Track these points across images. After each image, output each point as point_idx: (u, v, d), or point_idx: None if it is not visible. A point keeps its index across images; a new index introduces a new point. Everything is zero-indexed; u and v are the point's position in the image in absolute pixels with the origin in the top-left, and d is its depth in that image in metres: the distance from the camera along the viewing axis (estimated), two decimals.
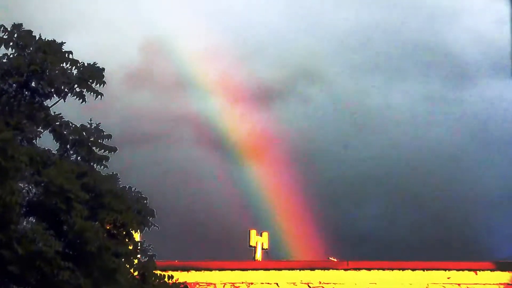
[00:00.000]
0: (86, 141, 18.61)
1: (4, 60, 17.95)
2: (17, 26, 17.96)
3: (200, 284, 25.31)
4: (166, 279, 19.91)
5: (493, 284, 29.92)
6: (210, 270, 28.37)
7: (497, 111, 48.43)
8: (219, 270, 28.72)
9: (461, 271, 29.74)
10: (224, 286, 28.47)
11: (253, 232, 31.46)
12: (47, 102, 18.55)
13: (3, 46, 18.10)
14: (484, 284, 29.60)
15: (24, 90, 18.31)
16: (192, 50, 40.05)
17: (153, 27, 47.49)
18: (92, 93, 18.32)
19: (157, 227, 19.53)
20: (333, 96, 49.55)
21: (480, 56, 52.51)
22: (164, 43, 42.97)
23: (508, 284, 29.83)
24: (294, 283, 29.27)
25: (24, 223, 17.00)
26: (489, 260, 30.48)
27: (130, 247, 18.65)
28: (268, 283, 29.39)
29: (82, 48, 19.47)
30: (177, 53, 41.22)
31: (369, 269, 29.73)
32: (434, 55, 51.37)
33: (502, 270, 29.95)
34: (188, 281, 22.35)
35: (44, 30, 18.65)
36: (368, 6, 49.97)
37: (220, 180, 38.18)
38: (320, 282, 29.28)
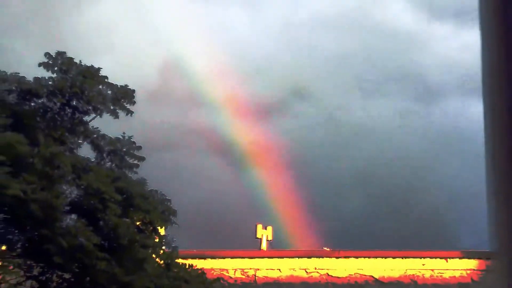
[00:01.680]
0: (119, 151, 18.60)
1: (50, 82, 17.72)
2: (60, 53, 17.84)
3: (215, 270, 24.73)
4: (186, 267, 19.66)
5: (461, 270, 29.06)
6: (223, 258, 28.13)
7: (460, 124, 48.87)
8: (231, 258, 28.45)
9: (434, 259, 29.28)
10: (235, 271, 27.99)
11: (259, 226, 31.24)
12: (86, 118, 18.49)
13: (49, 70, 17.93)
14: (454, 270, 28.77)
15: (66, 108, 18.13)
16: (204, 71, 40.05)
17: (170, 51, 47.27)
18: (123, 110, 18.24)
19: (178, 224, 19.38)
20: (320, 111, 49.62)
21: (447, 77, 52.56)
22: (179, 65, 42.88)
23: (474, 270, 28.75)
24: (293, 269, 28.66)
25: (67, 220, 16.92)
26: (457, 249, 30.25)
27: (156, 240, 18.60)
28: (272, 269, 28.74)
29: (109, 69, 19.12)
30: (190, 74, 41.12)
31: (357, 257, 28.85)
32: (408, 76, 51.46)
33: (468, 258, 29.17)
34: (204, 268, 21.52)
35: (79, 55, 18.47)
36: (350, 34, 49.98)
37: (229, 181, 38.29)
38: (315, 268, 28.50)
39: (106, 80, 18.18)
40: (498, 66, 2.09)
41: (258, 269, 28.70)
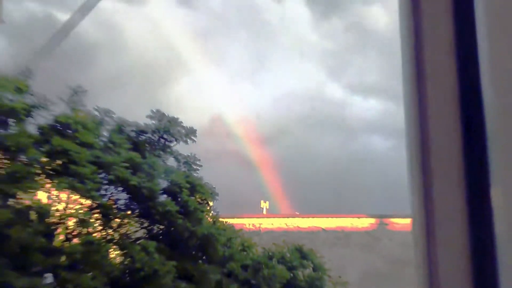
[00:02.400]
0: (189, 162, 23.28)
1: (152, 125, 22.87)
2: (157, 110, 23.10)
3: (238, 224, 26.92)
4: (224, 222, 23.79)
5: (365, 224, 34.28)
6: (242, 218, 32.64)
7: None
8: (247, 218, 33.43)
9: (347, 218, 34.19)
10: (249, 225, 32.59)
11: (262, 201, 36.16)
12: (171, 144, 23.45)
13: (152, 119, 23.05)
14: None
15: (161, 139, 23.18)
16: (232, 120, 48.43)
17: (215, 110, 55.65)
18: (191, 140, 23.16)
19: (218, 200, 23.87)
20: (296, 143, 57.89)
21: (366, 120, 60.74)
22: (221, 118, 51.15)
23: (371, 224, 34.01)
24: (280, 223, 33.85)
25: (161, 198, 21.91)
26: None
27: (208, 208, 22.90)
28: (271, 224, 33.89)
29: (182, 118, 24.27)
30: (227, 120, 49.45)
31: (313, 217, 33.98)
32: (339, 123, 59.73)
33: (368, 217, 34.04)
34: (232, 223, 25.38)
35: (167, 111, 23.56)
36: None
37: (246, 178, 45.63)
38: (291, 223, 33.87)
39: (181, 124, 22.93)
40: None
41: (261, 224, 33.84)
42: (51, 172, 20.39)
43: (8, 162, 19.95)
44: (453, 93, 1.67)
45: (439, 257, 1.59)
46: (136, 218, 22.08)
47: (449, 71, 1.71)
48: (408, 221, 33.76)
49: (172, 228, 21.55)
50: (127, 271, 20.41)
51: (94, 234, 20.71)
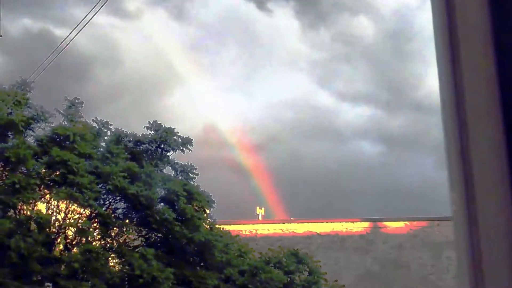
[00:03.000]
0: (186, 171, 23.03)
1: (149, 136, 22.57)
2: (154, 122, 22.75)
3: (234, 231, 26.53)
4: (220, 228, 23.58)
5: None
6: (239, 224, 32.40)
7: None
8: (243, 224, 33.26)
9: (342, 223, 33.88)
10: (245, 231, 32.22)
11: (257, 208, 36.17)
12: (168, 154, 23.27)
13: (149, 129, 22.75)
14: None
15: (158, 149, 22.95)
16: (226, 129, 48.95)
17: (209, 119, 56.40)
18: (187, 149, 22.82)
19: (215, 207, 23.56)
20: (288, 150, 58.67)
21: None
22: (214, 126, 51.63)
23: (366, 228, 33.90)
24: (275, 229, 33.57)
25: (159, 206, 21.68)
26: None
27: (205, 215, 22.66)
28: (267, 229, 33.62)
29: (178, 128, 24.84)
30: (221, 130, 49.71)
31: (308, 222, 33.72)
32: (329, 130, 60.83)
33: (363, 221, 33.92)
34: (230, 230, 25.45)
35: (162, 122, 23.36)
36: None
37: (241, 184, 45.84)
38: (286, 228, 33.58)
39: (177, 133, 22.62)
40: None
41: (257, 230, 33.52)
42: (50, 183, 20.32)
43: (8, 173, 19.90)
44: (492, 94, 1.56)
45: (484, 256, 1.49)
46: (135, 226, 21.85)
47: (487, 71, 1.59)
48: (401, 224, 33.89)
49: (170, 236, 21.28)
50: (126, 278, 20.19)
51: (94, 243, 20.60)
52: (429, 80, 64.27)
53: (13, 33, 50.06)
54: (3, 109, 19.73)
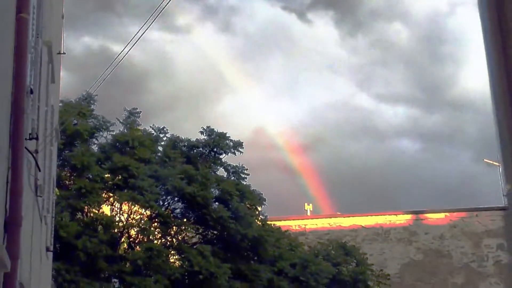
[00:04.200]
0: (238, 171, 23.06)
1: (203, 140, 22.75)
2: (208, 127, 22.87)
3: (285, 226, 26.42)
4: (271, 224, 23.52)
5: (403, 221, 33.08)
6: (289, 220, 31.85)
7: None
8: (293, 220, 32.56)
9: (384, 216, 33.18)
10: (295, 226, 31.47)
11: (306, 204, 35.66)
12: (221, 156, 23.33)
13: (203, 134, 22.94)
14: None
15: (211, 152, 23.03)
16: (275, 132, 48.83)
17: (259, 123, 56.58)
18: (238, 152, 22.87)
19: (266, 205, 23.69)
20: (332, 149, 58.26)
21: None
22: (264, 130, 51.57)
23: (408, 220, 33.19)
24: (323, 223, 32.87)
25: (214, 205, 21.39)
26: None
27: (257, 212, 22.88)
28: (315, 224, 32.88)
29: (230, 132, 24.86)
30: (271, 132, 49.52)
31: (353, 216, 33.15)
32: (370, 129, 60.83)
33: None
34: (280, 225, 25.13)
35: (216, 127, 23.44)
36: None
37: (291, 182, 45.59)
38: (334, 223, 32.87)
39: (229, 137, 22.76)
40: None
41: (306, 224, 32.85)
42: (113, 187, 20.42)
43: (75, 179, 20.02)
44: None
45: None
46: (192, 225, 21.79)
47: None
48: (441, 215, 33.41)
49: (225, 233, 21.23)
50: (186, 274, 20.13)
51: (155, 241, 20.58)
52: (461, 80, 63.89)
53: (76, 51, 50.89)
54: (70, 121, 19.77)
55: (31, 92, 6.35)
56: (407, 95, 64.08)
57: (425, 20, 64.13)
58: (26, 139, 6.05)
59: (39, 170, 7.53)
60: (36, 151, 7.04)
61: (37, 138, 6.92)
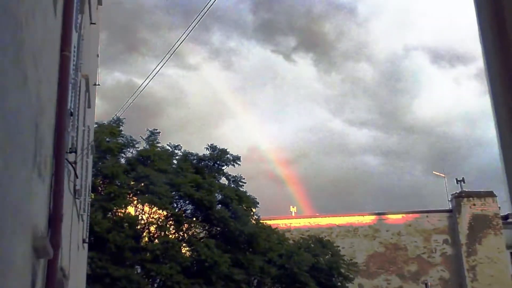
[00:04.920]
0: (237, 180, 22.65)
1: (208, 155, 22.52)
2: (211, 144, 22.72)
3: (273, 225, 25.08)
4: (264, 223, 23.03)
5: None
6: (277, 219, 30.58)
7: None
8: (280, 220, 31.52)
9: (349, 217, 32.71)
10: (282, 225, 30.52)
11: (291, 207, 34.88)
12: (223, 168, 22.86)
13: (207, 150, 22.62)
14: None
15: (215, 164, 22.71)
16: (265, 148, 48.60)
17: (252, 142, 56.54)
18: (237, 164, 22.58)
19: (259, 207, 23.17)
20: (312, 163, 58.05)
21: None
22: (257, 147, 51.36)
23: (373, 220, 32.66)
24: (305, 223, 32.20)
25: (218, 207, 21.07)
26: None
27: (252, 213, 22.47)
28: (299, 223, 32.20)
29: (231, 149, 24.51)
30: (263, 148, 49.34)
31: (328, 217, 32.74)
32: (341, 147, 60.98)
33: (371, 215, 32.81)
34: (271, 224, 24.51)
35: (219, 144, 24.64)
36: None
37: (278, 190, 45.21)
38: (313, 222, 32.23)
39: (229, 152, 22.49)
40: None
41: (291, 223, 32.22)
42: (137, 192, 20.21)
43: (106, 185, 19.86)
44: None
45: None
46: (200, 223, 21.58)
47: None
48: (399, 216, 33.35)
49: (226, 229, 20.98)
50: (194, 262, 19.96)
51: (170, 236, 20.41)
52: (413, 108, 64.37)
53: (108, 83, 50.99)
54: (103, 139, 19.80)
55: (71, 114, 6.31)
56: (371, 120, 64.63)
57: (385, 61, 64.79)
58: (67, 152, 6.01)
59: (77, 177, 7.48)
60: (75, 162, 6.99)
61: (75, 152, 6.88)
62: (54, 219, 5.26)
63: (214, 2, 11.21)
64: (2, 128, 3.20)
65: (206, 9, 11.47)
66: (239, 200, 21.82)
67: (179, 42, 12.85)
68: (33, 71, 4.12)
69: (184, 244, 20.83)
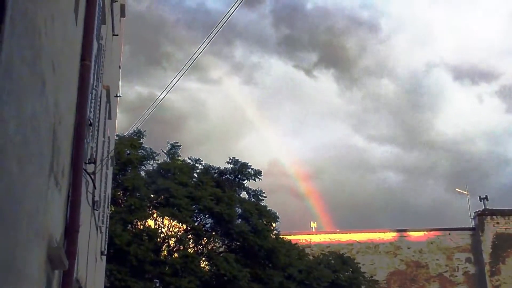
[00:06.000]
0: (257, 195, 22.64)
1: (229, 168, 22.39)
2: (233, 158, 22.55)
3: (294, 240, 25.33)
4: (283, 238, 23.02)
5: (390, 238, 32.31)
6: (297, 235, 30.52)
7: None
8: (300, 235, 31.47)
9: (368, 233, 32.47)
10: (302, 240, 30.10)
11: (311, 222, 34.54)
12: (244, 182, 22.83)
13: (229, 164, 22.53)
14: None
15: (236, 178, 22.55)
16: (285, 162, 48.43)
17: (273, 156, 56.59)
18: (258, 178, 22.48)
19: (279, 222, 22.92)
20: (332, 179, 57.90)
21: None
22: (278, 162, 51.32)
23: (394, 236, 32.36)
24: (325, 238, 32.09)
25: (238, 221, 20.96)
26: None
27: (272, 228, 22.25)
28: (319, 239, 32.02)
29: (253, 163, 24.54)
30: (283, 163, 49.12)
31: (349, 233, 32.32)
32: (362, 163, 60.36)
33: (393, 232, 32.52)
34: (291, 239, 24.78)
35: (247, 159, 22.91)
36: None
37: (300, 205, 45.02)
38: (334, 238, 32.04)
39: (250, 166, 22.38)
40: None
41: (311, 239, 31.97)
42: (157, 204, 20.11)
43: (127, 198, 19.77)
44: None
45: None
46: (219, 237, 21.37)
47: None
48: (420, 233, 32.94)
49: (246, 244, 20.77)
50: (214, 276, 19.82)
51: (189, 249, 20.26)
52: (436, 125, 63.75)
53: (130, 96, 51.51)
54: (123, 151, 19.76)
55: (91, 124, 6.26)
56: (392, 136, 64.25)
57: (407, 77, 64.61)
58: (85, 162, 5.95)
59: (95, 188, 7.41)
60: (94, 173, 6.93)
61: (95, 162, 6.82)
62: (71, 230, 5.17)
63: (232, 14, 11.19)
64: (18, 134, 3.13)
65: (223, 21, 11.44)
66: (259, 215, 21.59)
67: (197, 54, 12.82)
68: (51, 78, 4.05)
69: (203, 258, 20.68)
